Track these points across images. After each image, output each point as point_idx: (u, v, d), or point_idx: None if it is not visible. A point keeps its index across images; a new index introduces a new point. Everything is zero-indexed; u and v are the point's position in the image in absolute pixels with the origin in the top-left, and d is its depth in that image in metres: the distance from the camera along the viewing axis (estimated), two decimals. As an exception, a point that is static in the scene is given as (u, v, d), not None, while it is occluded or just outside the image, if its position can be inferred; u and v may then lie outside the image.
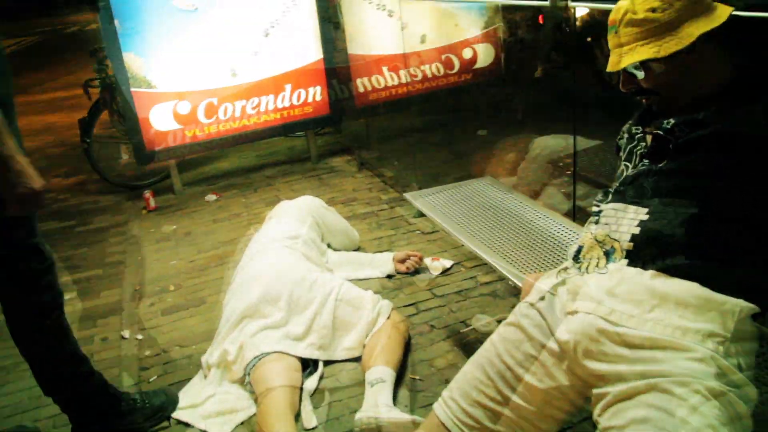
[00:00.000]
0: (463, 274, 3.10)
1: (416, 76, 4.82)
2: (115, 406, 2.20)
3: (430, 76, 4.89)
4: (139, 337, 2.83)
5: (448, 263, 3.16)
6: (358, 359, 2.48)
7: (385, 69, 4.75)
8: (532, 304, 1.44)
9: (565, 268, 1.44)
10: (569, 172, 3.57)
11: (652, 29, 1.43)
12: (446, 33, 4.88)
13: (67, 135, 6.50)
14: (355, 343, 2.48)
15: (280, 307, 2.46)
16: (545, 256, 2.08)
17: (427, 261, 3.17)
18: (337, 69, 4.68)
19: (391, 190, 4.25)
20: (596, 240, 1.41)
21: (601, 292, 1.30)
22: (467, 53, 5.04)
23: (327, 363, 2.48)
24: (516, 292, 2.89)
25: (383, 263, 3.11)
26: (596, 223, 1.45)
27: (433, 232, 3.58)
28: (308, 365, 2.42)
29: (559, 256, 2.08)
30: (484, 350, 1.48)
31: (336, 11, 4.68)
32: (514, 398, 1.38)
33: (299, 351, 2.39)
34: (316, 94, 4.64)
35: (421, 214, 3.77)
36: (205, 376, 2.44)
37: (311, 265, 2.67)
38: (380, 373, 2.24)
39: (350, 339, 2.49)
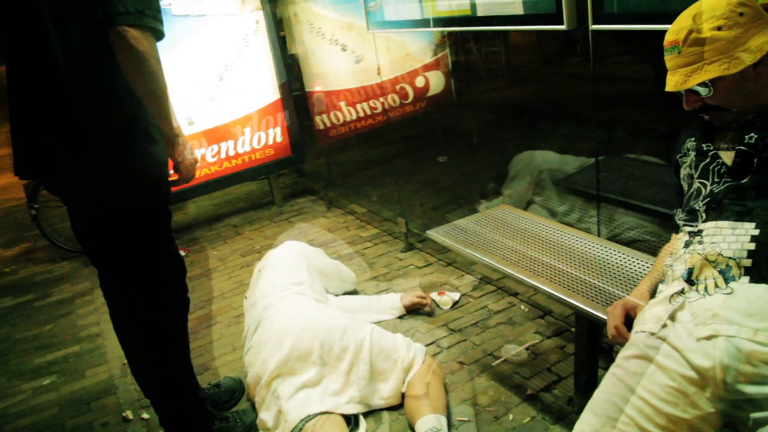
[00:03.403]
0: (473, 304, 3.03)
1: (375, 108, 4.77)
2: (209, 425, 2.25)
3: (387, 107, 4.85)
4: (145, 416, 2.57)
5: (455, 295, 3.08)
6: (394, 407, 2.37)
7: (342, 104, 4.67)
8: (653, 334, 1.38)
9: (681, 292, 1.39)
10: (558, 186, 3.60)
11: (720, 47, 1.43)
12: (399, 63, 4.86)
13: (-6, 202, 6.03)
14: (393, 391, 2.35)
15: (313, 361, 2.30)
16: (608, 283, 2.04)
17: (434, 296, 3.08)
18: (295, 108, 4.56)
19: (369, 227, 4.15)
20: (707, 260, 1.37)
21: (735, 313, 1.26)
22: (420, 82, 5.04)
23: (364, 414, 2.35)
24: (532, 316, 2.86)
25: (392, 305, 2.99)
26: (699, 243, 1.42)
27: (427, 265, 3.50)
28: (349, 420, 2.28)
29: (620, 279, 2.04)
30: (612, 387, 1.41)
31: (290, 48, 4.58)
32: (658, 433, 1.32)
33: (342, 408, 2.24)
34: (276, 135, 4.50)
35: (410, 248, 3.70)
36: None
37: (334, 312, 2.54)
38: (433, 422, 2.13)
39: (387, 387, 2.36)
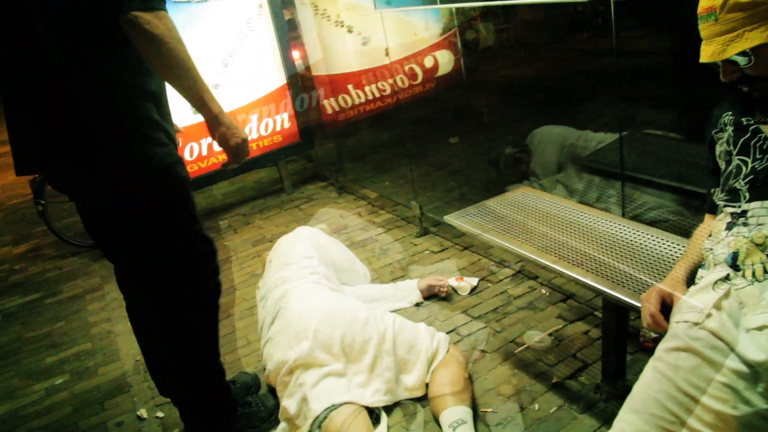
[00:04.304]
0: (491, 290, 2.94)
1: (383, 90, 4.66)
2: (233, 412, 2.22)
3: (396, 89, 4.75)
4: (160, 414, 2.52)
5: (474, 281, 3.00)
6: (417, 399, 2.29)
7: (350, 87, 4.56)
8: (696, 324, 1.28)
9: (725, 278, 1.29)
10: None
11: (761, 12, 1.32)
12: (407, 43, 4.75)
13: (1, 198, 5.97)
14: (417, 382, 2.28)
15: (335, 353, 2.23)
16: (638, 267, 1.94)
17: (452, 282, 2.99)
18: (303, 93, 4.45)
19: (382, 212, 4.05)
20: (754, 243, 1.27)
21: (789, 302, 1.17)
22: (428, 62, 4.93)
23: (387, 406, 2.28)
24: (554, 300, 2.77)
25: (409, 292, 2.91)
26: (744, 224, 1.32)
27: (443, 250, 3.41)
28: (371, 412, 2.21)
29: (650, 263, 1.94)
30: (654, 382, 1.31)
31: (295, 32, 4.47)
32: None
33: (367, 400, 2.18)
34: (284, 121, 4.40)
35: (425, 233, 3.61)
36: None
37: (353, 301, 2.46)
38: (459, 414, 2.05)
39: (411, 379, 2.29)
